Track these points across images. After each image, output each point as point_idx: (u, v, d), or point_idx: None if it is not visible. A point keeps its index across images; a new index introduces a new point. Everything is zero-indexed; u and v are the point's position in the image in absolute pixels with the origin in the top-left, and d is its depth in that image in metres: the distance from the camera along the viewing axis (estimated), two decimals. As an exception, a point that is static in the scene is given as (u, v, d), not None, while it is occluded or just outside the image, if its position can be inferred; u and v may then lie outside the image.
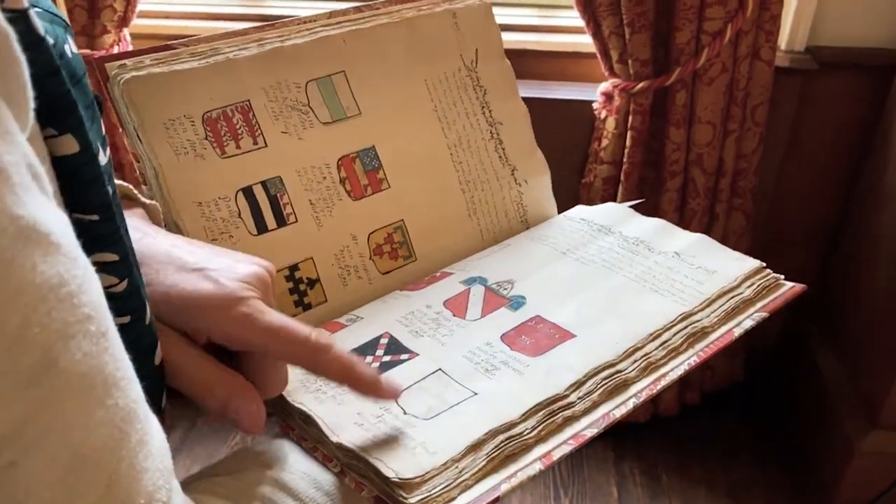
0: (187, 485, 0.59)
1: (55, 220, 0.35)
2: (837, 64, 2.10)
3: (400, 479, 0.57)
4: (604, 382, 0.67)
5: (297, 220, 0.77)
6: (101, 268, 0.47)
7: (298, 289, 0.77)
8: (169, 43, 0.73)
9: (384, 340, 0.73)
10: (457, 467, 0.59)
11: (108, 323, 0.38)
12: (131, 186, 0.69)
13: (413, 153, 0.84)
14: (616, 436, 2.36)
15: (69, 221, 0.37)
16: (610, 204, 0.93)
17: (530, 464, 0.61)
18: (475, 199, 0.88)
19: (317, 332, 0.58)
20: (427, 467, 0.58)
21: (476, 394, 0.66)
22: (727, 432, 2.46)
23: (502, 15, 2.32)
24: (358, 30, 0.81)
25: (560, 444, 0.63)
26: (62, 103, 0.43)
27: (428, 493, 0.57)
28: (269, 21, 0.80)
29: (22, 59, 0.34)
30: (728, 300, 0.77)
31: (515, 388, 0.66)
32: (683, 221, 2.17)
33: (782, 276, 0.80)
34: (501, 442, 0.61)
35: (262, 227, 0.75)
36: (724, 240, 2.15)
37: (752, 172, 2.16)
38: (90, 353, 0.36)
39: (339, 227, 0.79)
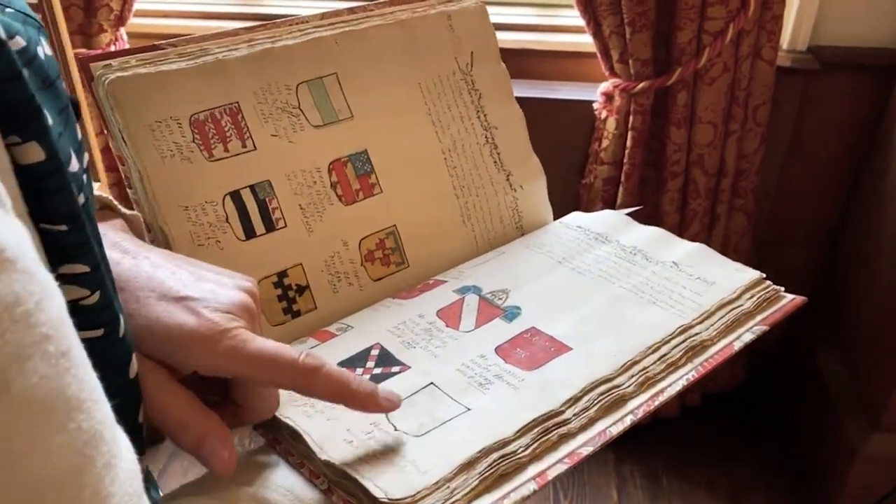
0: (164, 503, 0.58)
1: (10, 234, 0.33)
2: (839, 64, 2.09)
3: (389, 499, 0.55)
4: (600, 398, 0.66)
5: (286, 226, 0.75)
6: (71, 279, 0.46)
7: (287, 296, 0.75)
8: (156, 43, 0.72)
9: (375, 352, 0.72)
10: (448, 487, 0.57)
11: (69, 341, 0.36)
12: (111, 197, 0.68)
13: (406, 157, 0.82)
14: (617, 438, 2.27)
15: (28, 234, 0.35)
16: (607, 211, 0.91)
17: (524, 483, 0.59)
18: (469, 205, 0.86)
19: (305, 353, 0.56)
20: (418, 487, 0.56)
21: (469, 409, 0.64)
22: (728, 434, 2.44)
23: (502, 14, 2.31)
24: (351, 31, 0.80)
25: (555, 463, 0.61)
26: (26, 109, 0.41)
27: None
28: (267, 21, 0.78)
29: None
30: (728, 312, 0.75)
31: (510, 403, 0.65)
32: (684, 222, 2.16)
33: (783, 289, 0.79)
34: (495, 461, 0.59)
35: (250, 233, 0.73)
36: (726, 240, 2.15)
37: (754, 173, 2.15)
38: (48, 376, 0.34)
39: (329, 233, 0.78)
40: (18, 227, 0.34)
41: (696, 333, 0.73)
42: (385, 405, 0.60)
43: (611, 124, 2.09)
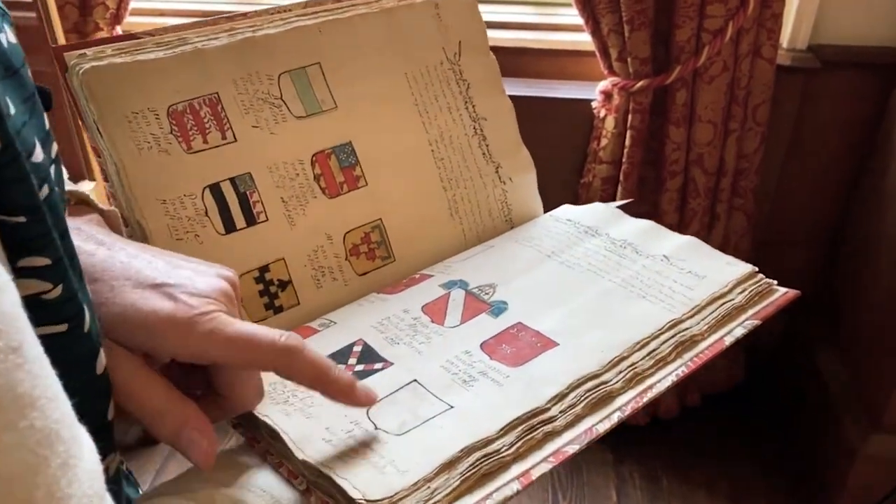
0: None
1: None
2: (840, 62, 2.08)
3: (366, 500, 0.54)
4: (587, 395, 0.64)
5: (267, 219, 0.74)
6: (32, 273, 0.44)
7: (269, 291, 0.74)
8: (133, 32, 0.70)
9: (357, 348, 0.70)
10: (429, 487, 0.56)
11: (22, 337, 0.34)
12: (87, 192, 0.66)
13: (392, 149, 0.81)
14: (615, 438, 2.27)
15: None
16: (597, 204, 0.90)
17: (507, 483, 0.58)
18: (457, 198, 0.85)
19: (286, 334, 0.55)
20: (396, 488, 0.55)
21: (452, 407, 0.63)
22: (728, 435, 2.43)
23: (500, 13, 2.31)
24: (335, 20, 0.78)
25: (540, 462, 0.60)
26: None
27: None
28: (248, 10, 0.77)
29: None
30: (719, 307, 0.74)
31: (494, 400, 0.63)
32: (684, 221, 2.14)
33: (775, 282, 0.77)
34: (477, 460, 0.58)
35: (230, 227, 0.72)
36: (726, 240, 2.14)
37: (754, 172, 2.14)
38: None
39: (312, 227, 0.76)
40: None
41: (687, 328, 0.71)
42: (362, 399, 0.59)
43: (609, 123, 2.08)
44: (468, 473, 0.57)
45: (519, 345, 0.69)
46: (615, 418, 0.64)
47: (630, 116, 2.03)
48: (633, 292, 0.76)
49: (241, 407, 0.59)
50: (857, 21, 2.06)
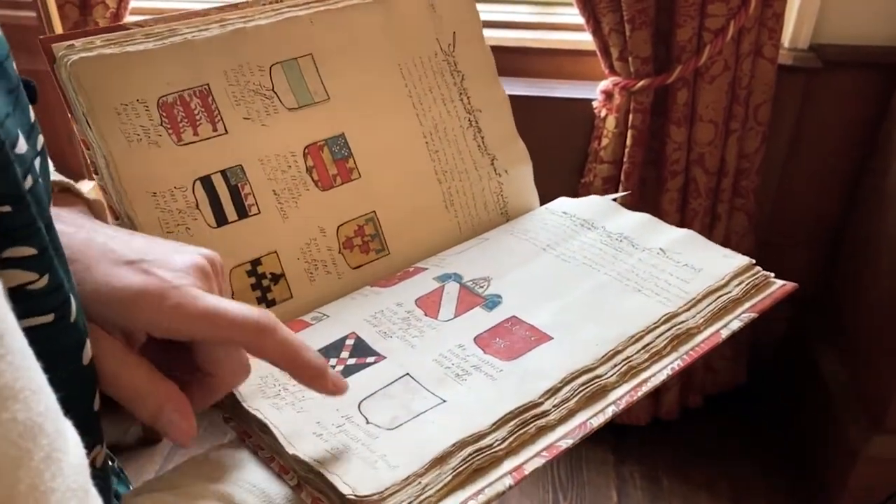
0: (127, 501, 0.56)
1: None
2: (842, 62, 2.07)
3: (356, 496, 0.53)
4: (581, 389, 0.64)
5: (259, 212, 0.73)
6: (17, 263, 0.44)
7: (261, 284, 0.73)
8: (122, 23, 0.70)
9: (350, 341, 0.70)
10: (419, 483, 0.55)
11: (4, 327, 0.34)
12: (72, 182, 0.66)
13: (386, 141, 0.80)
14: (616, 438, 2.34)
15: None
16: (593, 197, 0.90)
17: (500, 478, 0.57)
18: (452, 190, 0.84)
19: (260, 312, 0.54)
20: (387, 483, 0.54)
21: (445, 401, 0.62)
22: (729, 436, 2.43)
23: (501, 12, 2.31)
24: (327, 10, 0.78)
25: (532, 457, 0.59)
26: None
27: None
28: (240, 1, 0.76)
29: None
30: (715, 300, 0.73)
31: (487, 395, 0.63)
32: (685, 222, 2.14)
33: (772, 274, 0.77)
34: (469, 455, 0.57)
35: (221, 219, 0.71)
36: (726, 240, 2.13)
37: (755, 172, 2.13)
38: None
39: (305, 219, 0.75)
40: None
41: (682, 321, 0.71)
42: (330, 386, 0.58)
43: (610, 123, 2.07)
44: (460, 468, 0.56)
45: (513, 339, 0.69)
46: (609, 412, 0.63)
47: (631, 116, 2.03)
48: (628, 286, 0.75)
49: (227, 384, 0.58)
50: (859, 21, 2.05)
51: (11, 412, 0.34)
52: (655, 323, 0.70)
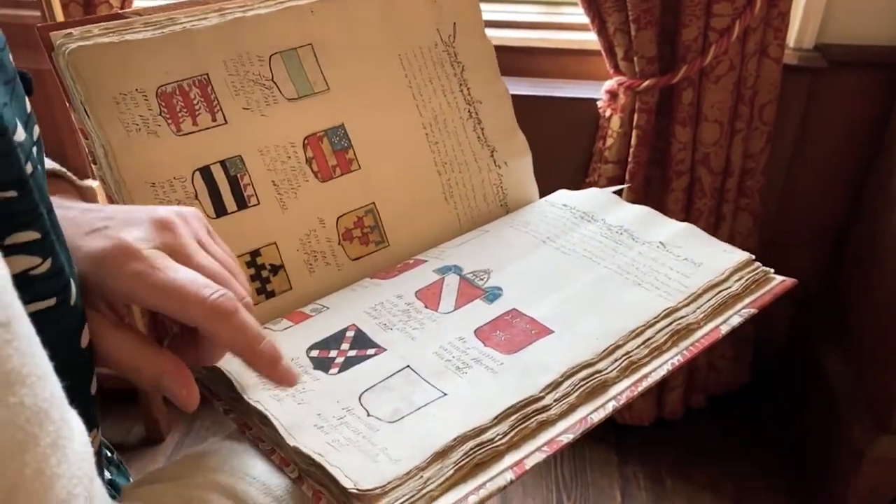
0: (127, 493, 0.57)
1: None
2: (847, 62, 2.07)
3: (359, 489, 0.53)
4: (582, 383, 0.64)
5: (258, 203, 0.73)
6: (22, 248, 0.45)
7: (261, 275, 0.73)
8: (121, 11, 0.69)
9: (350, 333, 0.69)
10: (421, 477, 0.55)
11: (11, 313, 0.35)
12: (65, 170, 0.67)
13: (385, 132, 0.80)
14: (620, 439, 2.34)
15: None
16: (593, 189, 0.89)
17: (501, 473, 0.57)
18: (452, 182, 0.84)
19: (220, 293, 0.54)
20: (389, 477, 0.54)
21: (445, 394, 0.62)
22: (733, 436, 2.42)
23: (506, 12, 2.31)
24: (327, 0, 0.77)
25: (533, 452, 0.59)
26: None
27: None
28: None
29: None
30: (715, 295, 0.73)
31: (488, 388, 0.62)
32: (689, 221, 2.12)
33: (772, 270, 0.77)
34: (471, 449, 0.57)
35: (220, 210, 0.71)
36: (731, 240, 2.12)
37: (760, 172, 2.13)
38: None
39: (305, 210, 0.75)
40: None
41: (682, 316, 0.71)
42: (282, 376, 0.58)
43: (615, 123, 2.07)
44: (462, 462, 0.56)
45: (513, 331, 0.69)
46: (610, 407, 0.63)
47: (636, 116, 2.02)
48: (628, 279, 0.75)
49: (216, 356, 0.59)
50: (864, 20, 2.05)
51: (19, 396, 0.34)
52: (656, 317, 0.70)
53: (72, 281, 0.50)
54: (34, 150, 0.50)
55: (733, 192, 2.13)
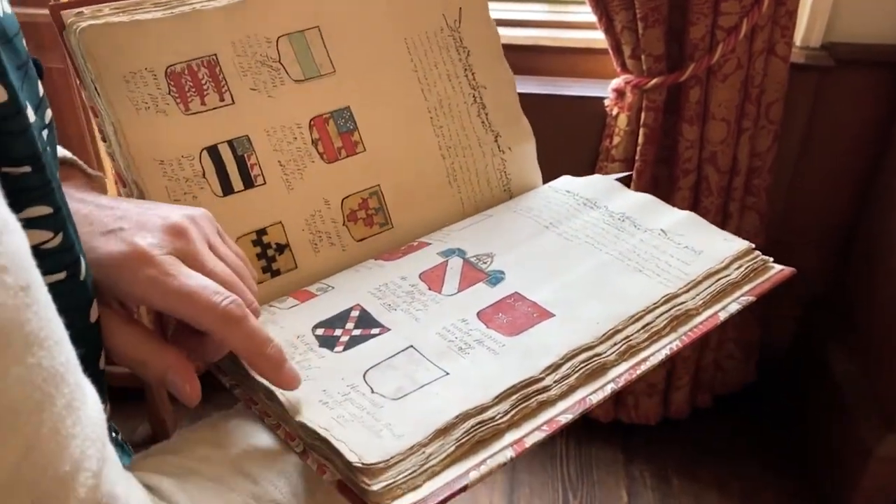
0: (135, 464, 0.57)
1: None
2: (854, 60, 2.07)
3: (363, 463, 0.54)
4: (582, 366, 0.65)
5: (265, 182, 0.74)
6: (34, 223, 0.47)
7: (266, 254, 0.74)
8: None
9: (355, 313, 0.71)
10: (423, 452, 0.56)
11: (30, 278, 0.36)
12: (76, 158, 0.68)
13: (391, 115, 0.81)
14: (626, 438, 2.34)
15: None
16: (596, 176, 0.90)
17: (501, 450, 0.58)
18: (456, 166, 0.84)
19: (229, 299, 0.55)
20: (392, 452, 0.55)
21: (448, 374, 0.63)
22: (739, 435, 2.43)
23: (513, 10, 2.31)
24: None
25: (533, 430, 0.60)
26: None
27: (392, 480, 0.54)
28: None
29: None
30: (714, 282, 0.74)
31: (489, 369, 0.64)
32: (696, 220, 2.12)
33: (771, 259, 0.78)
34: (472, 426, 0.58)
35: (227, 189, 0.72)
36: (737, 238, 2.12)
37: (767, 171, 2.13)
38: (4, 305, 0.34)
39: (310, 191, 0.76)
40: None
41: (682, 303, 0.72)
42: (284, 380, 0.59)
43: (622, 121, 2.07)
44: (463, 439, 0.58)
45: (515, 314, 0.70)
46: (608, 389, 0.65)
47: (643, 114, 2.03)
48: (629, 265, 0.76)
49: (220, 352, 0.60)
50: (872, 19, 2.05)
51: (37, 358, 0.36)
52: (655, 303, 0.71)
53: (81, 256, 0.51)
54: (45, 132, 0.52)
55: (740, 191, 2.13)
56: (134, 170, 0.68)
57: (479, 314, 0.70)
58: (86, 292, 0.53)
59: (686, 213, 0.83)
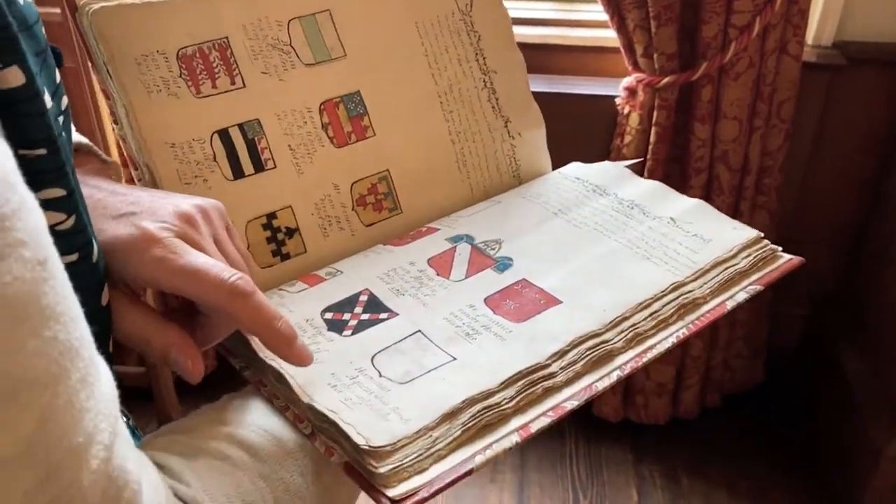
0: (145, 443, 0.58)
1: None
2: (866, 59, 2.06)
3: (370, 446, 0.55)
4: (588, 353, 0.65)
5: (275, 166, 0.74)
6: (48, 204, 0.47)
7: (276, 238, 0.74)
8: (143, -26, 0.71)
9: (363, 297, 0.71)
10: (430, 436, 0.57)
11: (48, 254, 0.37)
12: (92, 144, 0.68)
13: (401, 100, 0.81)
14: (636, 438, 2.34)
15: (10, 153, 0.36)
16: (606, 163, 0.90)
17: (507, 435, 0.59)
18: (466, 151, 0.85)
19: (237, 275, 0.56)
20: (399, 435, 0.56)
21: (455, 359, 0.64)
22: (748, 435, 2.42)
23: (524, 9, 2.31)
24: None
25: (539, 416, 0.61)
26: (6, 34, 0.43)
27: (399, 463, 0.55)
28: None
29: None
30: (722, 271, 0.75)
31: (496, 355, 0.64)
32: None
33: (780, 248, 0.78)
34: (479, 411, 0.59)
35: (238, 172, 0.72)
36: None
37: (778, 170, 2.12)
38: (23, 278, 0.35)
39: (320, 175, 0.76)
40: (3, 145, 0.36)
41: (689, 291, 0.72)
42: (295, 355, 0.59)
43: (634, 119, 2.07)
44: (469, 424, 0.58)
45: (522, 301, 0.70)
46: (614, 377, 0.65)
47: (655, 113, 2.02)
48: (638, 253, 0.76)
49: (225, 326, 0.60)
50: (884, 18, 2.04)
51: (53, 331, 0.36)
52: (663, 291, 0.71)
53: (93, 239, 0.52)
54: (60, 118, 0.52)
55: (751, 190, 2.13)
56: (145, 152, 0.68)
57: (486, 300, 0.70)
58: (97, 275, 0.54)
59: (696, 200, 0.83)
